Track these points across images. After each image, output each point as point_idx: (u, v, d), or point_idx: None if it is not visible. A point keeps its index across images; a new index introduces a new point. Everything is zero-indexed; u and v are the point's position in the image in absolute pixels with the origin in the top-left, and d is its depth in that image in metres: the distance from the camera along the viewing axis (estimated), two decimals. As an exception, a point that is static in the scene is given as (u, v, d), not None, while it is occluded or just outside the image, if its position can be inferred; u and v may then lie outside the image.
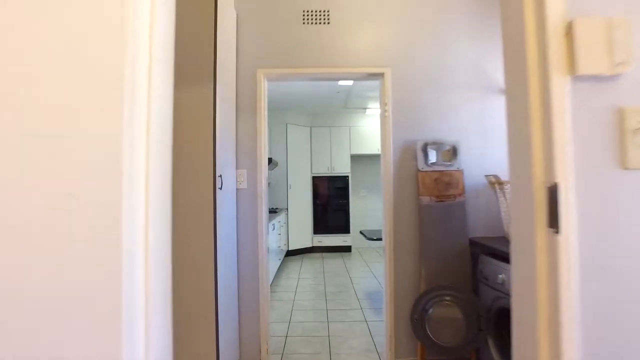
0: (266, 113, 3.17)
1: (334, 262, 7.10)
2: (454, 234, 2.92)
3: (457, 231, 2.92)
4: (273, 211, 6.38)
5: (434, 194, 2.98)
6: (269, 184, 7.23)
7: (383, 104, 3.22)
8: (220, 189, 2.46)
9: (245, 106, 3.12)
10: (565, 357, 0.89)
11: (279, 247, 6.35)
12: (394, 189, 3.06)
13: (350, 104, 7.37)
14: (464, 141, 3.08)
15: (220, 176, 2.47)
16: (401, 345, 2.96)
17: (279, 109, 7.62)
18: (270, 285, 4.96)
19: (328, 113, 8.11)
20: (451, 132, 3.11)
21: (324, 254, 7.86)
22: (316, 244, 8.00)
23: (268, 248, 3.15)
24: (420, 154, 3.08)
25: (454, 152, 3.05)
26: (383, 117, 3.24)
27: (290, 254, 7.61)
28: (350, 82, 5.73)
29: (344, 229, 8.04)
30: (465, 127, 3.11)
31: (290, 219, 7.59)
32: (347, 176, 8.08)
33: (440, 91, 3.12)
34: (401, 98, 3.14)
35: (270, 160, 6.37)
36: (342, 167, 8.07)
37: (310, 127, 8.12)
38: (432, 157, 3.07)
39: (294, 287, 5.30)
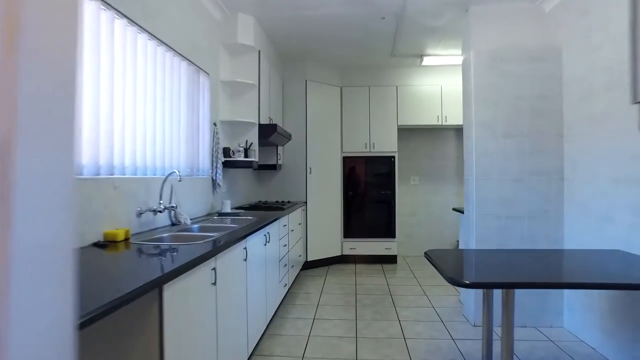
0: None
1: (371, 279, 4.81)
2: None
3: None
4: (278, 207, 4.15)
5: None
6: (278, 165, 4.97)
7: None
8: None
9: None
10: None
11: (289, 258, 4.12)
12: None
13: (400, 48, 4.95)
14: None
15: None
16: None
17: (294, 58, 5.32)
18: (265, 331, 2.82)
19: (366, 65, 5.73)
20: None
21: (359, 267, 5.57)
22: (347, 251, 5.72)
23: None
24: None
25: None
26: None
27: (309, 266, 5.37)
28: (404, -10, 3.35)
29: (387, 231, 5.70)
30: None
31: (310, 217, 5.34)
32: (393, 156, 5.70)
33: None
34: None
35: (274, 127, 4.11)
36: (385, 144, 5.69)
37: (341, 86, 5.78)
38: None
39: (303, 337, 3.07)
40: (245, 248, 2.43)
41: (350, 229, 5.73)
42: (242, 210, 3.80)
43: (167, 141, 2.76)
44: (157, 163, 2.62)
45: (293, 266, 4.32)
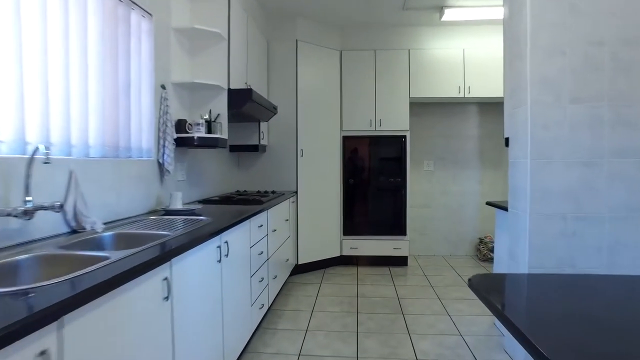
0: None
1: (376, 289, 3.83)
2: None
3: None
4: (256, 200, 3.14)
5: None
6: (261, 146, 3.96)
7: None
8: None
9: None
10: None
11: (268, 268, 3.14)
12: None
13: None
14: None
15: None
16: None
17: (282, 13, 4.25)
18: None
19: (372, 24, 4.66)
20: None
21: (361, 270, 4.59)
22: (347, 252, 4.72)
23: None
24: None
25: None
26: None
27: (301, 270, 4.39)
28: None
29: (396, 227, 4.69)
30: None
31: (301, 211, 4.33)
32: (404, 136, 4.67)
33: None
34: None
35: (248, 93, 3.08)
36: (394, 121, 4.65)
37: (341, 50, 4.71)
38: None
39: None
40: (166, 279, 1.43)
41: (352, 225, 4.72)
42: (201, 206, 2.80)
43: (59, 106, 1.74)
44: (34, 134, 1.60)
45: (276, 277, 3.33)
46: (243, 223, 2.36)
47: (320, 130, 4.51)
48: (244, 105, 3.07)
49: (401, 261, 4.74)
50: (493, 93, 4.55)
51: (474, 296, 3.69)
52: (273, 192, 3.94)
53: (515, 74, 2.51)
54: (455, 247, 5.23)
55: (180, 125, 2.78)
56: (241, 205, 2.99)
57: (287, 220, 3.86)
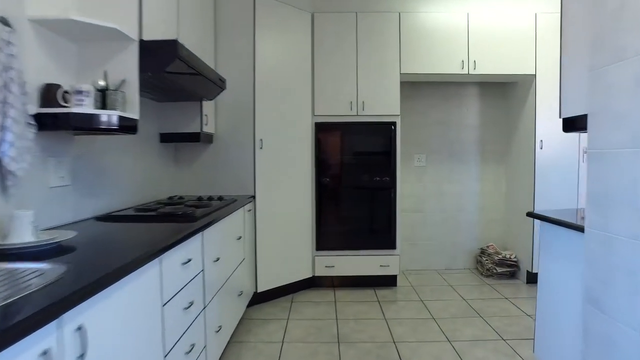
0: None
1: (361, 325, 2.83)
2: None
3: None
4: (186, 214, 2.03)
5: None
6: (204, 135, 2.86)
7: None
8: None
9: None
10: None
11: (205, 326, 2.05)
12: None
13: None
14: None
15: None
16: None
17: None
18: None
19: (352, -20, 3.62)
20: None
21: (340, 295, 3.57)
22: (321, 272, 3.68)
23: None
24: None
25: None
26: None
27: (261, 299, 3.32)
28: None
29: (384, 238, 3.70)
30: None
31: (260, 221, 3.25)
32: (393, 123, 3.66)
33: None
34: None
35: (172, 48, 1.96)
36: (381, 104, 3.64)
37: (312, 12, 3.63)
38: None
39: None
40: None
41: (327, 237, 3.69)
42: (85, 230, 1.68)
43: None
44: None
45: (220, 329, 2.24)
46: (142, 269, 1.27)
47: (286, 114, 3.44)
48: (167, 66, 1.95)
49: (389, 281, 3.76)
50: (504, 69, 3.63)
51: (495, 335, 2.77)
52: (220, 198, 2.83)
53: (605, 10, 1.53)
54: (451, 260, 4.31)
55: (50, 94, 1.63)
56: (165, 222, 1.90)
57: (240, 238, 2.77)
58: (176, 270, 1.58)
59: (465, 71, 3.63)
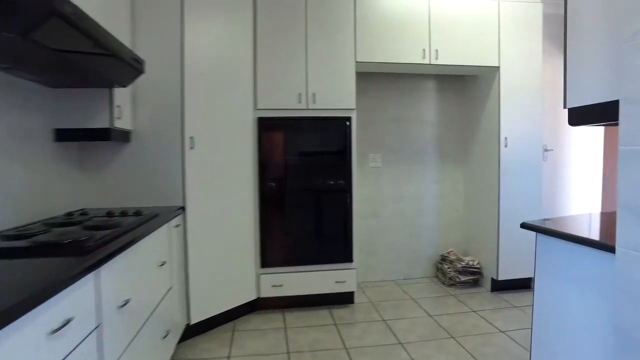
0: None
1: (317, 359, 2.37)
2: None
3: None
4: (73, 246, 1.42)
5: None
6: (117, 132, 2.21)
7: None
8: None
9: None
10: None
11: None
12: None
13: None
14: None
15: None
16: None
17: None
18: None
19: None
20: None
21: (290, 318, 3.06)
22: (268, 292, 3.15)
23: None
24: None
25: None
26: None
27: (194, 331, 2.72)
28: None
29: (339, 250, 3.24)
30: None
31: (192, 238, 2.65)
32: (348, 119, 3.21)
33: None
34: None
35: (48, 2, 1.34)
36: (335, 97, 3.17)
37: (253, -13, 3.09)
38: None
39: None
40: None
41: (273, 252, 3.16)
42: None
43: None
44: None
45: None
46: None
47: (223, 108, 2.87)
48: (38, 25, 1.33)
49: (346, 298, 3.31)
50: (467, 61, 3.32)
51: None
52: (138, 212, 2.20)
53: None
54: (411, 268, 3.96)
55: None
56: (40, 258, 1.29)
57: (164, 263, 2.17)
58: (39, 345, 0.99)
59: (427, 61, 3.27)
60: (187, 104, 2.62)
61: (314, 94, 3.12)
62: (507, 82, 3.35)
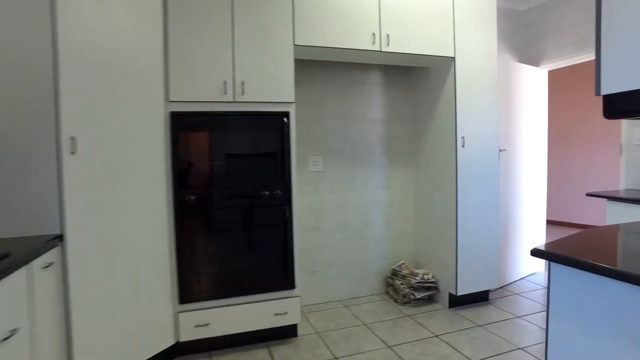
0: None
1: None
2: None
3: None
4: None
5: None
6: None
7: None
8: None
9: None
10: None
11: None
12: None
13: None
14: None
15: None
16: None
17: None
18: None
19: None
20: None
21: (216, 358, 2.42)
22: (191, 334, 2.47)
23: None
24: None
25: None
26: None
27: (85, 405, 1.97)
28: None
29: (278, 275, 2.65)
30: None
31: (75, 278, 1.91)
32: (285, 114, 2.63)
33: None
34: None
35: None
36: (268, 87, 2.57)
37: (160, -56, 2.39)
38: None
39: None
40: None
41: (195, 284, 2.49)
42: None
43: None
44: None
45: None
46: None
47: (123, 101, 2.14)
48: None
49: (288, 332, 2.73)
50: (420, 49, 2.91)
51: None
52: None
53: None
54: (357, 285, 3.48)
55: None
56: None
57: (10, 335, 1.43)
58: None
59: (377, 47, 2.79)
60: (64, 93, 1.88)
61: (242, 83, 2.50)
62: (463, 75, 3.00)
